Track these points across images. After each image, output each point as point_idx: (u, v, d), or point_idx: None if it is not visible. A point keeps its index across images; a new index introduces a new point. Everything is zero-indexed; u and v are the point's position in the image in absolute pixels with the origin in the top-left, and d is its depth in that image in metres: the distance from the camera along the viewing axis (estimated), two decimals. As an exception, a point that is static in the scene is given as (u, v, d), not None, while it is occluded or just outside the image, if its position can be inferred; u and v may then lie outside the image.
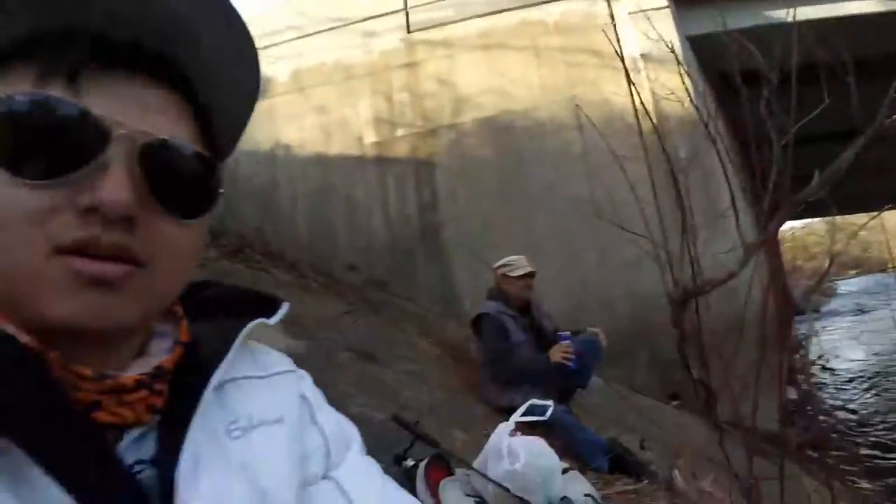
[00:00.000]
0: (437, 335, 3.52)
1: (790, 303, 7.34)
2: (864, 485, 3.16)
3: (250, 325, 0.38)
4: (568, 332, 2.51)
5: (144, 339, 0.35)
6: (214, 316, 0.39)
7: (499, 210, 5.03)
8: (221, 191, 0.35)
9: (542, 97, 5.07)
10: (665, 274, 3.35)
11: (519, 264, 2.72)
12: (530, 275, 2.71)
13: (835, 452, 3.57)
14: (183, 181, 0.32)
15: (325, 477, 0.41)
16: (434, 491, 1.15)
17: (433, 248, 5.09)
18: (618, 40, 4.88)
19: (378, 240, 5.34)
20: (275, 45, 5.71)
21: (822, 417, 4.35)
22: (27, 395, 0.27)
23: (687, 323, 3.48)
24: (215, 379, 0.34)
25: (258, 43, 0.36)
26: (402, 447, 1.28)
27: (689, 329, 3.48)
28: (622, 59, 4.80)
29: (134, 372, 0.32)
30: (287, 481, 0.36)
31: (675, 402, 3.98)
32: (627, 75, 4.73)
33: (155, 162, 0.31)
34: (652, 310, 4.08)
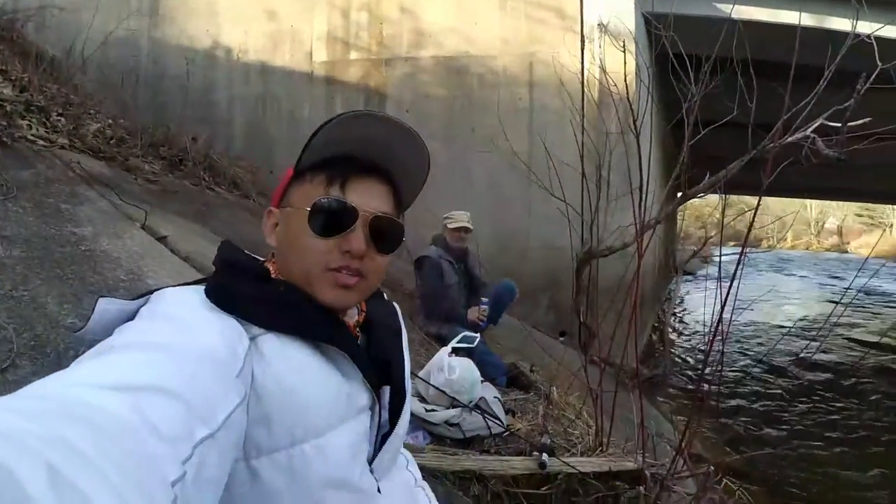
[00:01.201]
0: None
1: (670, 266, 8.57)
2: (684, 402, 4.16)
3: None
4: (488, 300, 3.05)
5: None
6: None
7: (442, 152, 5.18)
8: (405, 239, 0.68)
9: (501, 47, 5.15)
10: (576, 234, 3.87)
11: (457, 219, 3.13)
12: (464, 229, 3.13)
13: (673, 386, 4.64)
14: (387, 235, 0.64)
15: None
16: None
17: (375, 179, 5.28)
18: (581, 4, 5.08)
19: (320, 162, 5.42)
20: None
21: (669, 358, 5.40)
22: (332, 325, 0.61)
23: (584, 277, 4.16)
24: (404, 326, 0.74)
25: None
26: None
27: (585, 283, 4.18)
28: (581, 26, 5.05)
29: (352, 319, 0.67)
30: None
31: (562, 339, 4.79)
32: (582, 42, 5.00)
33: (376, 226, 0.63)
34: (559, 262, 4.60)
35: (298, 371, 0.54)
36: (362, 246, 0.60)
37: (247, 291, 0.56)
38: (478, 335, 2.09)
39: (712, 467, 1.86)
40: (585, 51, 4.96)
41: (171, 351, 0.44)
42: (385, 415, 0.64)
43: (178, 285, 0.57)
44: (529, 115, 5.12)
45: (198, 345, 0.46)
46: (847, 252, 33.88)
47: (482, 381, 1.89)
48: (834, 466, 3.56)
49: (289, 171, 0.66)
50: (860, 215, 37.72)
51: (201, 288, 0.56)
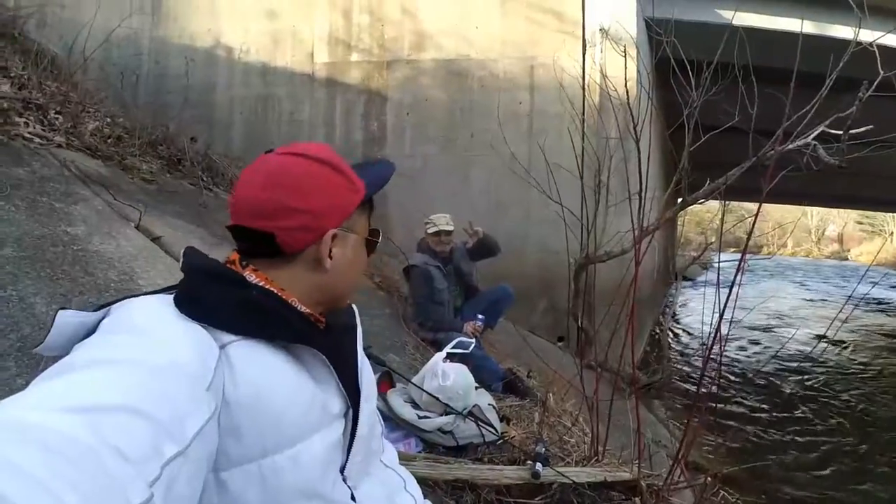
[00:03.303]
0: (370, 268, 3.84)
1: (670, 271, 8.54)
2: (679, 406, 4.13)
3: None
4: (483, 316, 2.97)
5: None
6: None
7: (441, 154, 5.22)
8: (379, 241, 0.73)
9: (501, 50, 5.13)
10: (574, 240, 3.86)
11: (435, 222, 3.08)
12: (444, 233, 3.06)
13: (669, 392, 4.61)
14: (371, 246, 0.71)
15: None
16: (382, 398, 1.59)
17: (374, 182, 5.26)
18: (583, 8, 5.07)
19: (320, 165, 5.40)
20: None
21: (668, 365, 5.37)
22: (312, 328, 0.62)
23: (582, 282, 4.14)
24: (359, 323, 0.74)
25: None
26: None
27: (583, 287, 4.16)
28: (583, 30, 5.03)
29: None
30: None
31: (559, 343, 4.77)
32: (584, 46, 4.99)
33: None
34: (557, 267, 4.57)
35: (270, 379, 0.53)
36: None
37: (221, 297, 0.55)
38: (473, 340, 2.07)
39: (710, 478, 1.83)
40: (586, 55, 4.95)
41: (135, 366, 0.42)
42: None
43: (143, 294, 0.55)
44: (529, 120, 5.11)
45: (164, 358, 0.44)
46: (847, 259, 33.83)
47: (477, 388, 1.87)
48: (832, 477, 3.53)
49: (351, 196, 0.66)
50: (860, 223, 37.62)
51: (167, 297, 0.53)
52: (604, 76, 4.57)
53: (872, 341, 8.04)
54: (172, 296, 0.53)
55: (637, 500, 1.75)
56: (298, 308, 0.60)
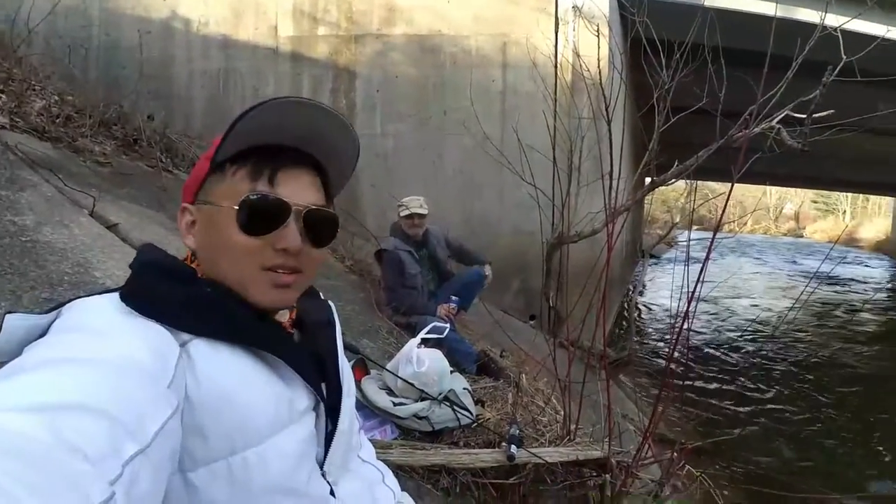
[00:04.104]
0: (341, 251, 3.77)
1: (637, 250, 8.76)
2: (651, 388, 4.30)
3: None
4: (457, 298, 2.95)
5: None
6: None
7: (413, 133, 5.12)
8: (339, 228, 0.63)
9: (474, 26, 5.02)
10: (546, 220, 3.87)
11: (408, 205, 2.99)
12: (417, 216, 2.98)
13: (639, 368, 4.76)
14: (322, 229, 0.60)
15: None
16: (357, 386, 1.57)
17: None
18: (557, -14, 4.98)
19: (286, 144, 5.23)
20: None
21: (636, 341, 5.55)
22: (265, 327, 0.58)
23: (554, 263, 4.18)
24: (337, 320, 0.70)
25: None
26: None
27: (555, 267, 4.20)
28: (556, 7, 4.96)
29: (284, 317, 0.63)
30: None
31: (531, 322, 4.85)
32: (556, 24, 4.92)
33: (310, 220, 0.58)
34: (530, 247, 4.65)
35: (233, 377, 0.51)
36: (298, 242, 0.57)
37: (172, 295, 0.52)
38: (447, 325, 2.06)
39: (676, 453, 1.91)
40: (559, 33, 4.90)
41: (91, 365, 0.40)
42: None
43: (94, 294, 0.52)
44: (502, 98, 5.06)
45: (120, 355, 0.43)
46: (802, 237, 35.50)
47: (452, 372, 1.87)
48: (794, 448, 3.74)
49: (203, 163, 0.59)
50: (815, 202, 39.47)
51: (117, 295, 0.51)
52: (576, 55, 4.55)
53: (827, 314, 8.50)
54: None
55: (607, 476, 1.80)
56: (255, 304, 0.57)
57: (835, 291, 10.89)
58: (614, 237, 2.07)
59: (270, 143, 0.57)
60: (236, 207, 0.55)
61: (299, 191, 0.58)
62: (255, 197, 0.55)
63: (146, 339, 0.46)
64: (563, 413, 2.05)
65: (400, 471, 1.46)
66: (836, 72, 2.55)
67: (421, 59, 5.10)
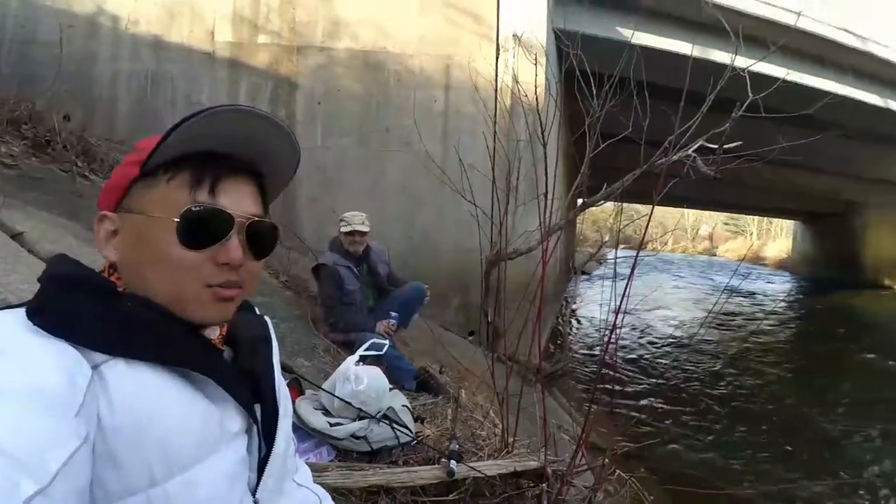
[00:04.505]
0: (276, 266, 3.64)
1: (570, 267, 9.16)
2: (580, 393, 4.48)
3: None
4: (397, 314, 2.92)
5: None
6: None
7: (355, 149, 5.08)
8: (279, 240, 0.61)
9: (418, 46, 5.09)
10: (484, 238, 3.95)
11: (350, 221, 2.95)
12: (358, 233, 2.95)
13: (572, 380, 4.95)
14: (264, 240, 0.58)
15: None
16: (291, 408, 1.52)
17: (280, 175, 4.97)
18: (497, 13, 5.20)
19: (219, 155, 5.00)
20: None
21: (569, 354, 5.77)
22: (194, 345, 0.54)
23: (493, 279, 4.28)
24: (274, 337, 0.67)
25: None
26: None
27: (494, 284, 4.30)
28: (497, 35, 5.17)
29: (214, 333, 0.60)
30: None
31: (470, 338, 4.91)
32: (497, 50, 5.12)
33: (252, 233, 0.56)
34: (470, 265, 4.65)
35: (154, 400, 0.47)
36: (241, 256, 0.54)
37: (87, 310, 0.48)
38: (387, 341, 2.05)
39: (607, 459, 1.99)
40: (500, 60, 5.10)
41: None
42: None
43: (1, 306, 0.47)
44: (444, 118, 5.15)
45: (21, 382, 0.39)
46: (716, 255, 38.77)
47: (391, 389, 1.85)
48: (710, 447, 4.03)
49: (129, 168, 0.55)
50: (727, 224, 43.47)
51: (23, 311, 0.46)
52: (515, 81, 4.76)
53: (736, 324, 9.29)
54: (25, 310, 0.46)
55: (544, 486, 1.85)
56: (184, 319, 0.53)
57: (742, 304, 11.95)
58: (549, 254, 2.17)
59: (207, 150, 0.54)
60: (177, 219, 0.51)
61: (239, 201, 0.56)
62: (198, 208, 0.52)
63: (53, 361, 0.42)
64: (501, 426, 2.08)
65: (337, 494, 1.42)
66: (743, 108, 2.86)
67: (365, 75, 5.11)
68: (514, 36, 5.10)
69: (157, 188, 0.53)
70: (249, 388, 0.59)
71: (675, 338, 7.80)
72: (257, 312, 0.70)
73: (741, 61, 3.03)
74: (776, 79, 3.11)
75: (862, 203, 17.37)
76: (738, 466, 3.70)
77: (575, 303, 10.81)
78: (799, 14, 4.78)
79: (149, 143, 0.53)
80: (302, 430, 1.61)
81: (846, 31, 7.30)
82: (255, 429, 0.58)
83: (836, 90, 6.73)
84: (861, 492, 3.43)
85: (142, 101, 5.01)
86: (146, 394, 0.47)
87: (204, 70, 5.01)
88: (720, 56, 5.72)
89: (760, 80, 3.01)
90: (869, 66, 7.97)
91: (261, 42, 5.05)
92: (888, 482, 3.54)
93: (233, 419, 0.55)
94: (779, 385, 5.75)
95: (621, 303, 1.86)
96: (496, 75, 4.97)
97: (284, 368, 1.67)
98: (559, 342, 6.20)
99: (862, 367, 6.76)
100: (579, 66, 3.42)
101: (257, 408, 0.59)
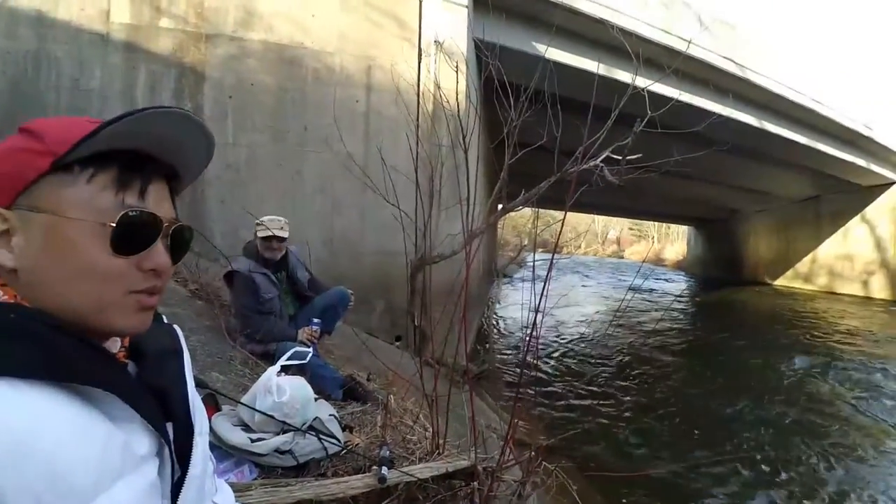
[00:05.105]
0: (184, 274, 3.35)
1: (492, 270, 9.45)
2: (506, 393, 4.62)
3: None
4: (319, 320, 2.77)
5: None
6: None
7: (270, 147, 4.83)
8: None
9: (339, 45, 4.96)
10: (409, 241, 3.95)
11: (268, 226, 2.75)
12: (276, 238, 2.76)
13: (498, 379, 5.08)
14: (185, 245, 0.56)
15: None
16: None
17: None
18: (420, 19, 5.22)
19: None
20: None
21: (493, 355, 5.94)
22: (96, 359, 0.48)
23: (418, 283, 4.29)
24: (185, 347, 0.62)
25: None
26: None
27: (419, 288, 4.31)
28: (419, 39, 5.19)
29: (115, 345, 0.54)
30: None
31: (397, 343, 4.87)
32: (420, 55, 5.14)
33: (175, 237, 0.54)
34: (393, 268, 4.66)
35: (41, 426, 0.41)
36: (168, 262, 0.53)
37: None
38: (310, 349, 1.95)
39: (533, 453, 2.06)
40: (422, 64, 5.13)
41: None
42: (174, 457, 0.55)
43: None
44: (366, 120, 5.07)
45: None
46: (623, 258, 42.15)
47: (316, 399, 1.77)
48: (625, 434, 4.34)
49: (34, 158, 0.47)
50: (632, 228, 47.45)
51: None
52: (437, 86, 4.81)
53: (640, 318, 10.13)
54: None
55: (475, 484, 1.88)
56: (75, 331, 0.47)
57: (645, 300, 13.08)
58: (472, 257, 2.21)
59: (133, 148, 0.51)
60: (112, 224, 0.48)
61: (160, 203, 0.53)
62: (135, 213, 0.49)
63: None
64: (431, 429, 2.08)
65: (260, 513, 1.33)
66: (643, 123, 3.12)
67: (280, 70, 4.87)
68: (436, 42, 5.16)
69: (74, 186, 0.48)
70: (159, 406, 0.53)
71: (587, 335, 8.31)
72: (165, 322, 0.64)
73: (641, 81, 3.33)
74: (671, 98, 3.44)
75: (743, 210, 19.94)
76: (648, 451, 4.02)
77: (498, 304, 11.15)
78: (689, 42, 5.33)
79: (50, 129, 0.47)
80: (220, 448, 1.48)
81: (728, 59, 8.30)
82: (166, 450, 0.53)
83: (719, 111, 7.59)
84: (749, 462, 3.89)
85: (19, 85, 4.40)
86: (31, 418, 0.40)
87: (95, 53, 4.50)
88: (623, 76, 6.23)
89: (658, 99, 3.32)
90: (746, 91, 9.13)
91: (163, 26, 4.64)
92: (771, 454, 4.03)
93: (140, 441, 0.49)
94: (676, 374, 6.34)
95: (539, 303, 1.94)
96: (419, 79, 5.00)
97: (198, 383, 1.53)
98: (485, 343, 6.34)
99: (737, 354, 7.69)
100: (497, 76, 3.56)
101: (169, 427, 0.54)
